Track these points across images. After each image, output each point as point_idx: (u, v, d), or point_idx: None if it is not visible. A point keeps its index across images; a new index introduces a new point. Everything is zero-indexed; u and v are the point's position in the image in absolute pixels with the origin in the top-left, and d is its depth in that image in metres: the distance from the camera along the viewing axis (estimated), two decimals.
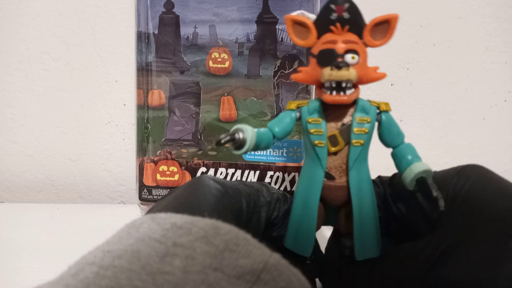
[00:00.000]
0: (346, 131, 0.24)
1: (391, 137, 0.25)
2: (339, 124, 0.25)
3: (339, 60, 0.23)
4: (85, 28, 0.47)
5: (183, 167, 0.42)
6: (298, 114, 0.25)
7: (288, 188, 0.42)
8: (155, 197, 0.43)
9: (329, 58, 0.24)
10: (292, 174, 0.42)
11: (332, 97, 0.23)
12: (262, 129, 0.25)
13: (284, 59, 0.41)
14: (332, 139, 0.24)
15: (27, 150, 0.50)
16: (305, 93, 0.41)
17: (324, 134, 0.24)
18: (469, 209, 0.22)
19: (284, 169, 0.42)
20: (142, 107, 0.42)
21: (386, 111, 0.25)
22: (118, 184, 0.51)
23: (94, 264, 0.15)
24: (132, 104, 0.47)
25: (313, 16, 0.26)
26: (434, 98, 0.49)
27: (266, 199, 0.26)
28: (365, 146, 0.25)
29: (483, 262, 0.20)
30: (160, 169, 0.42)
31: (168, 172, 0.42)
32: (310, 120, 0.25)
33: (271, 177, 0.42)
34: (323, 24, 0.24)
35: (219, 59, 0.41)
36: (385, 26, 0.25)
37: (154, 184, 0.42)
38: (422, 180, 0.24)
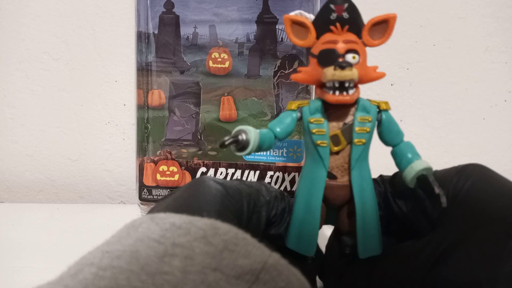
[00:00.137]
0: (348, 130, 0.24)
1: (391, 136, 0.26)
2: (341, 123, 0.25)
3: (340, 60, 0.23)
4: (85, 28, 0.47)
5: (183, 167, 0.42)
6: (299, 114, 0.25)
7: (288, 188, 0.42)
8: (155, 197, 0.43)
9: (330, 58, 0.24)
10: (292, 174, 0.42)
11: (335, 97, 0.24)
12: (264, 130, 0.25)
13: (284, 59, 0.41)
14: (334, 139, 0.24)
15: (27, 150, 0.50)
16: (305, 93, 0.41)
17: (326, 134, 0.24)
18: (469, 208, 0.22)
19: (284, 169, 0.42)
20: (142, 107, 0.42)
21: (386, 110, 0.25)
22: (118, 184, 0.51)
23: (93, 264, 0.15)
24: (132, 104, 0.47)
25: (311, 16, 0.26)
26: (434, 98, 0.49)
27: (266, 199, 0.26)
28: (367, 145, 0.25)
29: (483, 262, 0.20)
30: (160, 169, 0.42)
31: (168, 172, 0.42)
32: (312, 120, 0.25)
33: (271, 177, 0.42)
34: (322, 24, 0.24)
35: (219, 59, 0.41)
36: (383, 26, 0.25)
37: (154, 184, 0.42)
38: (423, 178, 0.24)
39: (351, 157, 0.25)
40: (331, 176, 0.25)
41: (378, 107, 0.25)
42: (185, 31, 0.41)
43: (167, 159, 0.42)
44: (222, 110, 0.42)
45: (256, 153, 0.40)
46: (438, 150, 0.50)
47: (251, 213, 0.24)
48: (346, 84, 0.23)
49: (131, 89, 0.48)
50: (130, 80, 0.48)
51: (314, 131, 0.24)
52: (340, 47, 0.24)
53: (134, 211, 0.44)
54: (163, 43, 0.41)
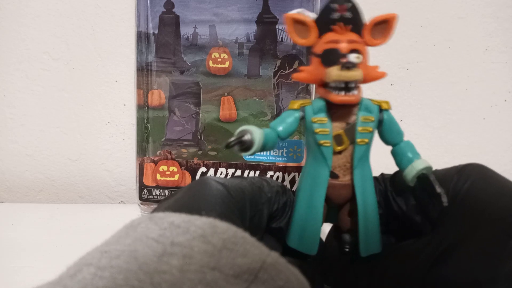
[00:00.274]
0: (351, 130, 0.24)
1: (392, 135, 0.26)
2: (344, 123, 0.25)
3: (344, 60, 0.23)
4: (85, 28, 0.47)
5: (183, 167, 0.42)
6: (301, 113, 0.25)
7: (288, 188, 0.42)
8: (155, 197, 0.43)
9: (333, 57, 0.24)
10: (292, 174, 0.42)
11: (340, 97, 0.23)
12: (267, 130, 0.25)
13: (284, 59, 0.41)
14: (337, 139, 0.25)
15: (27, 150, 0.50)
16: (305, 93, 0.41)
17: (330, 134, 0.24)
18: (469, 208, 0.22)
19: (284, 169, 0.42)
20: (142, 107, 0.42)
21: (387, 110, 0.25)
22: (118, 184, 0.51)
23: (92, 265, 0.15)
24: (132, 104, 0.47)
25: (312, 15, 0.26)
26: (434, 98, 0.49)
27: (268, 195, 0.26)
28: (369, 144, 0.25)
29: (483, 262, 0.20)
30: (160, 169, 0.42)
31: (168, 172, 0.42)
32: (315, 120, 0.25)
33: (271, 177, 0.42)
34: (324, 23, 0.24)
35: (219, 59, 0.41)
36: (384, 26, 0.25)
37: (154, 184, 0.42)
38: (423, 177, 0.24)
39: (354, 157, 0.25)
40: (333, 175, 0.25)
41: (380, 106, 0.25)
42: (185, 31, 0.41)
43: (167, 159, 0.42)
44: (222, 110, 0.42)
45: (256, 153, 0.40)
46: (438, 150, 0.50)
47: (254, 211, 0.24)
48: (351, 85, 0.23)
49: (131, 89, 0.48)
50: (130, 80, 0.48)
51: (317, 130, 0.24)
52: (344, 46, 0.24)
53: (134, 211, 0.44)
54: (163, 43, 0.41)
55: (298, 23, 0.25)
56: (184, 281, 0.14)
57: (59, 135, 0.50)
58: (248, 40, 0.41)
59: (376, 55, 0.47)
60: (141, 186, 0.43)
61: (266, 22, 0.41)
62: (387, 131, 0.26)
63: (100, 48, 0.48)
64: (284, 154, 0.42)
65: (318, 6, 0.39)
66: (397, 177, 0.27)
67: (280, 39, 0.41)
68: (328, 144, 0.24)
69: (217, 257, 0.15)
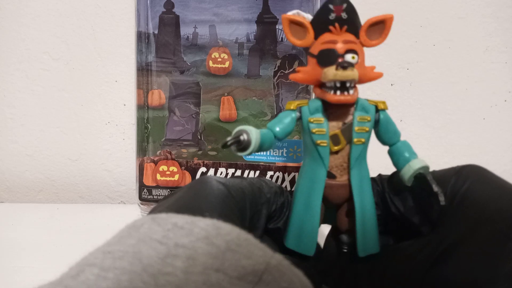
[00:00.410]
0: (348, 130, 0.25)
1: (388, 135, 0.26)
2: (341, 123, 0.25)
3: (340, 60, 0.23)
4: (85, 28, 0.47)
5: (183, 167, 0.42)
6: (298, 114, 0.25)
7: (288, 188, 0.42)
8: (155, 197, 0.43)
9: (330, 58, 0.24)
10: (292, 174, 0.42)
11: (337, 97, 0.24)
12: (264, 130, 0.25)
13: (284, 59, 0.41)
14: (334, 138, 0.25)
15: (27, 150, 0.50)
16: (305, 93, 0.41)
17: (327, 134, 0.24)
18: (468, 209, 0.22)
19: (284, 169, 0.42)
20: (142, 107, 0.42)
21: (384, 110, 0.25)
22: (118, 184, 0.51)
23: (95, 265, 0.15)
24: (132, 104, 0.47)
25: (309, 16, 0.26)
26: (434, 98, 0.49)
27: (267, 196, 0.26)
28: (366, 144, 0.25)
29: (482, 262, 0.20)
30: (160, 169, 0.42)
31: (168, 172, 0.42)
32: (312, 120, 0.25)
33: (271, 177, 0.42)
34: (321, 24, 0.24)
35: (219, 59, 0.41)
36: (380, 26, 0.25)
37: (154, 184, 0.42)
38: (420, 176, 0.24)
39: (351, 157, 0.25)
40: (330, 175, 0.25)
41: (376, 106, 0.25)
42: (185, 31, 0.41)
43: (167, 159, 0.42)
44: (222, 110, 0.42)
45: (256, 153, 0.40)
46: (438, 150, 0.50)
47: (253, 211, 0.24)
48: (347, 84, 0.23)
49: (131, 89, 0.48)
50: (130, 80, 0.48)
51: (314, 130, 0.24)
52: (340, 47, 0.24)
53: (134, 211, 0.44)
54: (163, 43, 0.41)
55: (295, 24, 0.25)
56: (189, 282, 0.14)
57: (59, 135, 0.50)
58: (248, 40, 0.41)
59: (376, 55, 0.47)
60: (141, 186, 0.43)
61: (266, 22, 0.41)
62: (384, 131, 0.26)
63: (100, 48, 0.48)
64: (284, 154, 0.42)
65: (318, 6, 0.39)
66: (395, 177, 0.27)
67: (280, 39, 0.41)
68: (325, 144, 0.24)
69: (221, 259, 0.15)
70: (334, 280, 0.28)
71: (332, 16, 0.24)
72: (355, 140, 0.24)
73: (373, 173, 0.28)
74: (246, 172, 0.42)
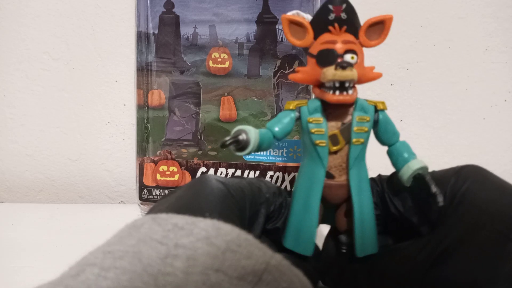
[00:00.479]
0: (347, 130, 0.25)
1: (387, 136, 0.26)
2: (340, 123, 0.25)
3: (339, 60, 0.23)
4: (85, 28, 0.47)
5: (183, 167, 0.42)
6: (297, 114, 0.25)
7: (288, 188, 0.42)
8: (155, 197, 0.43)
9: (329, 58, 0.24)
10: (292, 174, 0.42)
11: (336, 97, 0.24)
12: (263, 130, 0.25)
13: (284, 59, 0.41)
14: (333, 139, 0.25)
15: (27, 150, 0.50)
16: (305, 93, 0.41)
17: (325, 134, 0.24)
18: (468, 209, 0.22)
19: (284, 169, 0.42)
20: (142, 107, 0.42)
21: (383, 110, 0.25)
22: (118, 184, 0.51)
23: (95, 265, 0.15)
24: (132, 104, 0.47)
25: (308, 16, 0.26)
26: (434, 98, 0.49)
27: (266, 196, 0.26)
28: (365, 144, 0.25)
29: (482, 262, 0.20)
30: (160, 169, 0.42)
31: (168, 172, 0.42)
32: (311, 120, 0.25)
33: (271, 177, 0.42)
34: (320, 24, 0.25)
35: (219, 59, 0.41)
36: (380, 27, 0.25)
37: (154, 184, 0.42)
38: (419, 177, 0.24)
39: (350, 157, 0.25)
40: (329, 175, 0.25)
41: (375, 107, 0.25)
42: (185, 31, 0.41)
43: (167, 159, 0.42)
44: (222, 110, 0.42)
45: (256, 153, 0.40)
46: (438, 150, 0.50)
47: (253, 211, 0.25)
48: (347, 84, 0.23)
49: (131, 89, 0.48)
50: (130, 80, 0.48)
51: (313, 130, 0.25)
52: (339, 47, 0.24)
53: (134, 211, 0.44)
54: (163, 43, 0.41)
55: (295, 24, 0.25)
56: (188, 283, 0.14)
57: (59, 135, 0.50)
58: (248, 40, 0.41)
59: (376, 55, 0.47)
60: (141, 186, 0.43)
61: (266, 22, 0.41)
62: (383, 131, 0.26)
63: (100, 48, 0.48)
64: (284, 154, 0.42)
65: (318, 6, 0.39)
66: (394, 178, 0.27)
67: (280, 39, 0.41)
68: (323, 144, 0.24)
69: (221, 259, 0.15)
70: (333, 280, 0.28)
71: (332, 16, 0.24)
72: (354, 140, 0.24)
73: (373, 173, 0.28)
74: (246, 172, 0.42)
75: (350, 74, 0.23)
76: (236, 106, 0.42)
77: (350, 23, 0.24)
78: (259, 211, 0.25)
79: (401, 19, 0.46)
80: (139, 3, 0.41)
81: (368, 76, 0.25)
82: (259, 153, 0.42)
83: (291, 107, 0.25)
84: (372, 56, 0.46)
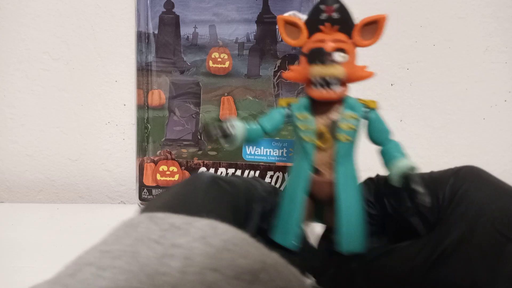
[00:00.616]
0: (334, 127, 0.25)
1: (376, 134, 0.26)
2: (327, 120, 0.25)
3: (328, 58, 0.24)
4: (85, 28, 0.47)
5: (183, 167, 0.42)
6: (288, 110, 0.26)
7: None
8: (155, 197, 0.43)
9: (317, 56, 0.25)
10: None
11: (319, 92, 0.24)
12: (253, 125, 0.26)
13: (284, 59, 0.41)
14: (320, 135, 0.25)
15: (27, 150, 0.50)
16: (305, 93, 0.41)
17: (312, 130, 0.25)
18: (466, 210, 0.22)
19: (284, 169, 0.42)
20: (142, 107, 0.42)
21: (374, 109, 0.26)
22: (118, 184, 0.51)
23: (92, 264, 0.15)
24: (132, 104, 0.47)
25: (304, 17, 0.27)
26: (434, 98, 0.49)
27: (261, 194, 0.26)
28: (352, 142, 0.25)
29: (481, 264, 0.20)
30: (160, 169, 0.42)
31: (168, 172, 0.42)
32: (299, 116, 0.26)
33: (271, 177, 0.42)
34: (313, 24, 0.25)
35: (219, 59, 0.41)
36: (374, 27, 0.25)
37: (154, 184, 0.42)
38: (408, 177, 0.24)
39: (336, 154, 0.25)
40: (317, 172, 0.26)
41: (366, 106, 0.26)
42: (185, 31, 0.41)
43: (167, 159, 0.42)
44: (222, 110, 0.42)
45: (256, 153, 0.40)
46: (438, 150, 0.50)
47: (248, 209, 0.25)
48: (331, 81, 0.24)
49: (131, 89, 0.48)
50: (130, 80, 0.48)
51: (300, 126, 0.25)
52: (328, 46, 0.25)
53: (134, 211, 0.44)
54: (163, 43, 0.41)
55: (290, 24, 0.26)
56: (185, 282, 0.14)
57: (59, 135, 0.50)
58: (248, 40, 0.41)
59: (376, 55, 0.47)
60: (141, 186, 0.43)
61: (266, 22, 0.41)
62: (373, 129, 0.26)
63: (100, 48, 0.48)
64: (284, 154, 0.42)
65: None
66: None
67: (280, 39, 0.41)
68: (310, 140, 0.25)
69: (218, 259, 0.15)
70: (331, 281, 0.28)
71: (323, 16, 0.25)
72: (340, 137, 0.25)
73: (372, 173, 0.28)
74: (246, 172, 0.42)
75: (334, 71, 0.24)
76: (236, 106, 0.42)
77: (343, 22, 0.25)
78: (254, 209, 0.25)
79: (401, 19, 0.46)
80: (139, 3, 0.41)
81: (358, 75, 0.25)
82: (259, 153, 0.42)
83: (283, 104, 0.27)
84: (372, 56, 0.46)
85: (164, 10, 0.41)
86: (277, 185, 0.42)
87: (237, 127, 0.25)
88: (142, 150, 0.42)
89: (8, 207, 0.48)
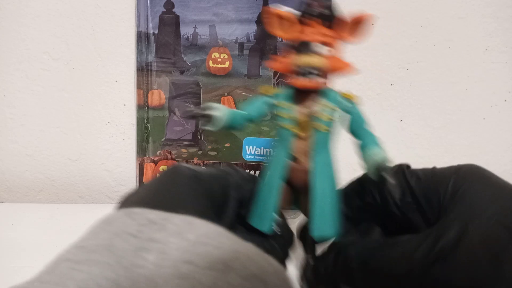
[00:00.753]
0: (312, 116, 0.26)
1: (354, 128, 0.27)
2: (307, 110, 0.26)
3: (313, 49, 0.25)
4: (85, 28, 0.47)
5: None
6: (271, 100, 0.27)
7: None
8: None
9: (302, 48, 0.26)
10: None
11: (299, 81, 0.25)
12: (237, 111, 0.27)
13: None
14: (300, 124, 0.26)
15: (27, 150, 0.50)
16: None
17: (292, 118, 0.26)
18: (467, 208, 0.22)
19: None
20: (142, 107, 0.42)
21: (354, 104, 0.27)
22: (118, 184, 0.51)
23: (69, 260, 0.15)
24: (132, 104, 0.47)
25: (296, 12, 0.28)
26: (434, 98, 0.49)
27: (234, 179, 0.27)
28: (329, 132, 0.26)
29: (482, 263, 0.20)
30: (160, 169, 0.42)
31: None
32: (280, 104, 0.26)
33: None
34: (303, 19, 0.26)
35: (219, 59, 0.41)
36: (361, 24, 0.26)
37: None
38: (381, 168, 0.25)
39: (314, 143, 0.26)
40: (294, 159, 0.26)
41: (348, 99, 0.26)
42: (185, 31, 0.41)
43: (167, 159, 0.42)
44: None
45: (256, 153, 0.40)
46: (438, 150, 0.50)
47: (224, 195, 0.26)
48: (311, 70, 0.25)
49: (131, 89, 0.48)
50: (130, 80, 0.48)
51: (280, 114, 0.26)
52: (313, 38, 0.25)
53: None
54: (163, 43, 0.41)
55: (282, 18, 0.27)
56: (160, 274, 0.15)
57: (59, 135, 0.50)
58: (248, 40, 0.41)
59: (376, 55, 0.47)
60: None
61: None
62: (353, 124, 0.27)
63: (100, 48, 0.48)
64: None
65: None
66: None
67: (280, 39, 0.41)
68: (289, 128, 0.26)
69: (192, 252, 0.16)
70: (327, 277, 0.28)
71: (313, 11, 0.26)
72: (318, 127, 0.26)
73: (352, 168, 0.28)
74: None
75: (315, 61, 0.25)
76: (236, 106, 0.42)
77: (331, 18, 0.26)
78: (230, 195, 0.26)
79: (401, 19, 0.46)
80: (139, 3, 0.41)
81: (339, 68, 0.26)
82: (259, 153, 0.42)
83: (268, 93, 0.28)
84: (372, 56, 0.46)
85: (164, 10, 0.41)
86: None
87: (221, 109, 0.26)
88: (142, 150, 0.42)
89: (8, 207, 0.48)
